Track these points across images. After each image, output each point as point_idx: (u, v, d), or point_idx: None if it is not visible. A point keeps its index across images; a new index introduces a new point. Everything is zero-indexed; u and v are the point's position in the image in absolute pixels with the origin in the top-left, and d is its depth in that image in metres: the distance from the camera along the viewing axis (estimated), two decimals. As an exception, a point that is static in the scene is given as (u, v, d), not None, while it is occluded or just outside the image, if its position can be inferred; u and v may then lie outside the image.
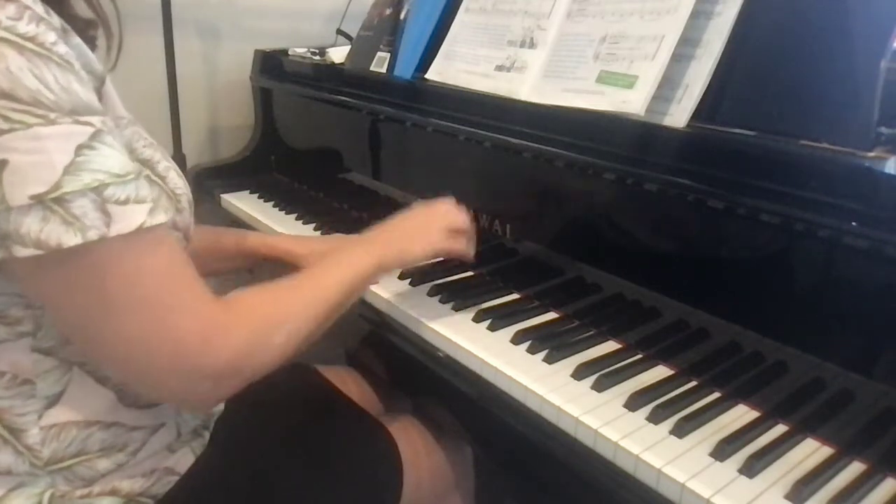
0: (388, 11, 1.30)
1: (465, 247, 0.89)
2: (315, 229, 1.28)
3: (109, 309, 0.57)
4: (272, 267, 1.05)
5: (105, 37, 0.67)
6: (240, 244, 1.03)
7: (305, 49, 1.53)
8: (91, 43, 0.65)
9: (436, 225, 0.88)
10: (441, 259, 1.12)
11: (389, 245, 0.82)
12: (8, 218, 0.52)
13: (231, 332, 0.63)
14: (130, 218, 0.56)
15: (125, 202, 0.56)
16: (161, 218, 0.59)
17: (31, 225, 0.52)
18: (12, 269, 0.57)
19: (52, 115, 0.52)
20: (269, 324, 0.67)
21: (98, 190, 0.54)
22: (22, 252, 0.53)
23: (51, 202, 0.52)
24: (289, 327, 0.68)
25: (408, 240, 0.85)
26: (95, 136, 0.55)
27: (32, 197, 0.52)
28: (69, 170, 0.53)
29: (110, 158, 0.55)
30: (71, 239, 0.53)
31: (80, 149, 0.54)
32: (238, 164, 1.59)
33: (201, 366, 0.61)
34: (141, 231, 0.56)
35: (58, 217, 0.53)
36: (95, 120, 0.55)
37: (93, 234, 0.54)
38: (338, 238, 1.11)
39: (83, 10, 0.64)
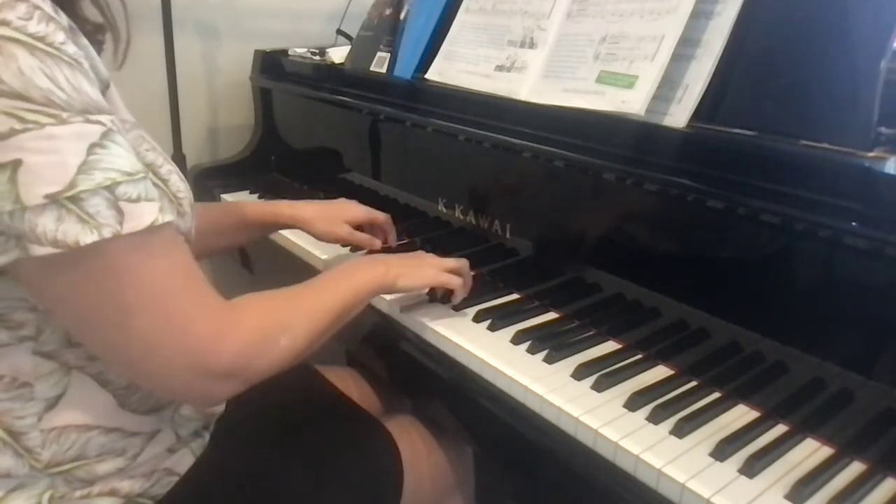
0: (388, 11, 1.30)
1: (459, 282, 0.91)
2: (315, 229, 1.28)
3: (121, 308, 0.58)
4: (270, 265, 1.05)
5: (112, 40, 0.67)
6: (242, 216, 1.04)
7: (305, 49, 1.53)
8: (98, 46, 0.66)
9: (435, 260, 0.92)
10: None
11: (391, 268, 0.85)
12: (23, 218, 0.52)
13: (239, 331, 0.64)
14: (142, 216, 0.56)
15: (136, 200, 0.56)
16: (170, 216, 0.60)
17: (47, 224, 0.53)
18: (21, 271, 0.57)
19: (65, 115, 0.53)
20: (275, 327, 0.68)
21: (111, 188, 0.55)
22: (38, 251, 0.53)
23: (65, 201, 0.53)
24: (293, 333, 0.69)
25: (408, 267, 0.88)
26: (106, 135, 0.55)
27: (47, 196, 0.52)
28: (82, 169, 0.53)
29: (121, 157, 0.56)
30: (88, 236, 0.53)
31: (92, 148, 0.54)
32: (238, 164, 1.59)
33: (209, 363, 0.62)
34: (153, 229, 0.57)
35: (73, 216, 0.53)
36: (105, 119, 0.56)
37: (107, 232, 0.54)
38: (338, 203, 1.11)
39: (92, 14, 0.64)
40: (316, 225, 1.04)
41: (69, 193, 0.53)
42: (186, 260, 0.62)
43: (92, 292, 0.57)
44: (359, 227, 1.08)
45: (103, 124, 0.55)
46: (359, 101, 1.27)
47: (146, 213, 0.57)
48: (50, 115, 0.52)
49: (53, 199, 0.52)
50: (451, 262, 0.92)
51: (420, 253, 0.96)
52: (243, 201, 1.10)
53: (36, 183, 0.52)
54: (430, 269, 0.90)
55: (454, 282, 0.90)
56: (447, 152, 1.11)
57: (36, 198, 0.52)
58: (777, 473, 0.66)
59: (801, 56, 0.75)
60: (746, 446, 0.68)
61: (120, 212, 0.55)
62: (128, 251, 0.57)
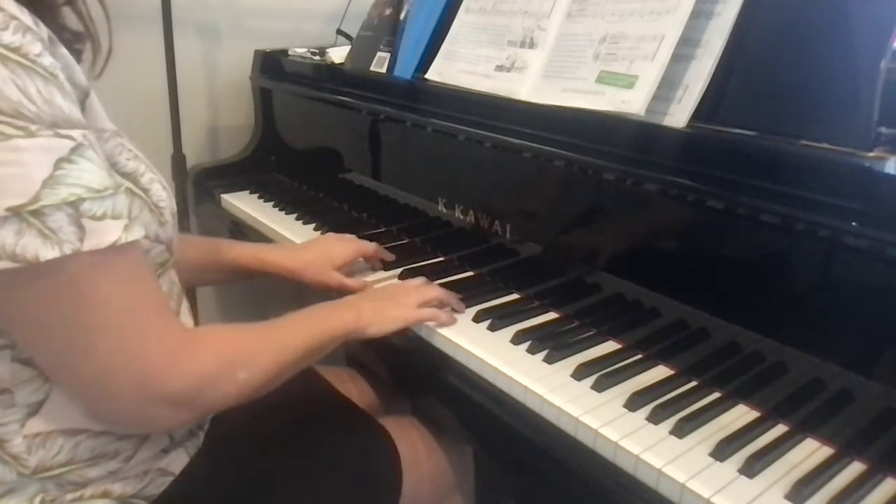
0: (388, 11, 1.30)
1: (431, 315, 0.90)
2: (315, 229, 1.28)
3: (77, 327, 0.57)
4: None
5: (92, 50, 0.66)
6: (232, 258, 1.01)
7: (305, 49, 1.53)
8: (77, 55, 0.65)
9: (409, 298, 0.90)
10: (441, 259, 1.13)
11: (362, 315, 0.84)
12: None
13: (195, 359, 0.63)
14: (104, 234, 0.56)
15: (101, 217, 0.55)
16: (137, 234, 0.59)
17: (6, 238, 0.52)
18: None
19: (33, 128, 0.52)
20: (234, 360, 0.67)
21: (74, 204, 0.54)
22: None
23: (28, 215, 0.52)
24: (253, 368, 0.68)
25: (381, 311, 0.86)
26: (76, 149, 0.55)
27: (9, 209, 0.51)
28: (48, 183, 0.52)
29: (89, 173, 0.55)
30: (49, 252, 0.53)
31: (59, 162, 0.53)
32: (238, 164, 1.59)
33: (159, 388, 0.60)
34: (116, 248, 0.56)
35: (34, 230, 0.52)
36: (76, 133, 0.55)
37: (67, 248, 0.53)
38: (328, 238, 1.10)
39: (73, 23, 0.64)
40: (306, 274, 1.01)
41: (32, 207, 0.52)
42: (149, 282, 0.61)
43: (48, 309, 0.56)
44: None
45: (74, 139, 0.55)
46: (359, 101, 1.27)
47: (109, 232, 0.56)
48: (18, 127, 0.51)
49: (15, 213, 0.51)
50: (430, 292, 0.92)
51: (398, 286, 0.95)
52: (232, 241, 1.09)
53: None
54: (403, 311, 0.88)
55: (424, 315, 0.89)
56: (447, 152, 1.11)
57: None
58: (777, 473, 0.66)
59: (801, 56, 0.75)
60: (746, 446, 0.68)
61: (82, 228, 0.54)
62: (88, 269, 0.56)
